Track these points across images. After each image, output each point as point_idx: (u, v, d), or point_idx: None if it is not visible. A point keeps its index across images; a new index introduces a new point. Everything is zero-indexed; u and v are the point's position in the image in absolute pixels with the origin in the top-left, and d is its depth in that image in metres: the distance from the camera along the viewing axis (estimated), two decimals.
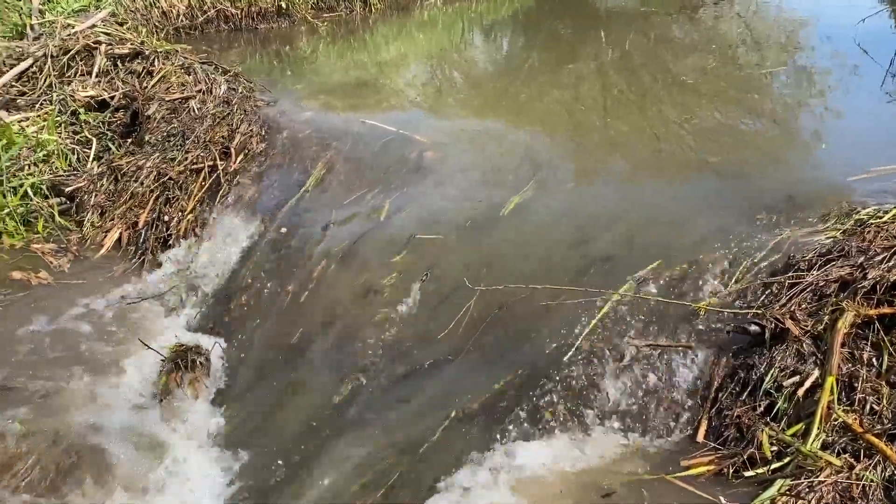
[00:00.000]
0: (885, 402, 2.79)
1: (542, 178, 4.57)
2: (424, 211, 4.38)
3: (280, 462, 3.18)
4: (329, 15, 9.35)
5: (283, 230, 4.36)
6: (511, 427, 3.06)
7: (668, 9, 10.13)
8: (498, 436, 3.02)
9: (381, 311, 3.74)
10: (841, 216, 3.67)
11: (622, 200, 4.35)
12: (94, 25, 6.28)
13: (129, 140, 5.38)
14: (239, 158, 4.89)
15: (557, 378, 3.20)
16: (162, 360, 3.53)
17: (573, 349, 3.30)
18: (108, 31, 6.24)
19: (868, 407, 2.80)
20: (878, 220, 3.44)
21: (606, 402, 3.15)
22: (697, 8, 10.21)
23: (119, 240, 4.76)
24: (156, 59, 5.60)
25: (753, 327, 3.12)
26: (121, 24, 6.87)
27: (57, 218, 4.97)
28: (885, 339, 2.94)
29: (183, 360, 3.48)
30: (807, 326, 3.08)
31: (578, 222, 4.14)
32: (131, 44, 5.77)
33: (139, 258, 4.57)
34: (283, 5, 8.44)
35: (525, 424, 3.08)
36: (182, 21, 8.04)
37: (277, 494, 3.03)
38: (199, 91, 5.33)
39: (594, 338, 3.31)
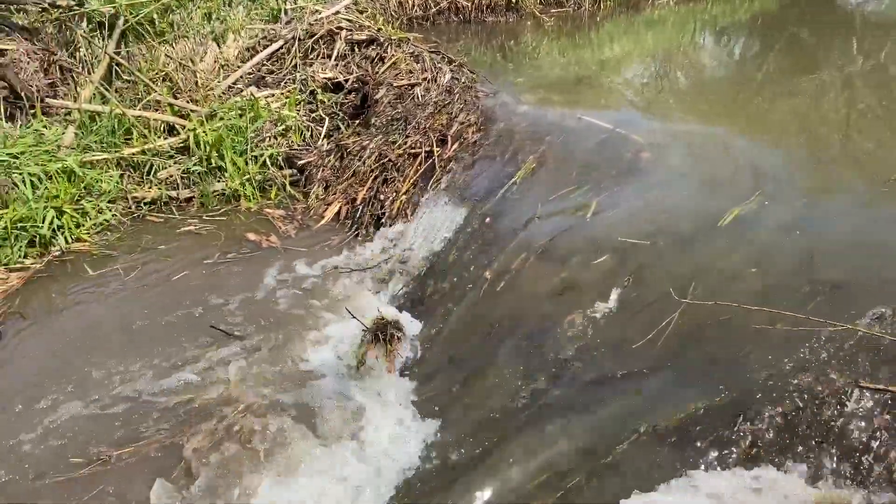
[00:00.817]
0: None
1: (767, 191, 4.20)
2: (633, 213, 4.21)
3: (463, 445, 3.22)
4: (556, 10, 9.32)
5: (488, 219, 4.40)
6: (704, 453, 2.84)
7: None
8: (689, 459, 2.82)
9: (576, 312, 3.64)
10: None
11: (861, 224, 3.88)
12: (337, 12, 6.74)
13: (357, 121, 5.71)
14: (454, 146, 5.01)
15: (762, 411, 2.92)
16: (363, 330, 3.71)
17: (785, 382, 2.99)
18: (350, 18, 6.67)
19: None
20: None
21: (814, 446, 2.82)
22: None
23: (338, 213, 5.08)
24: (389, 47, 5.89)
25: None
26: (361, 13, 7.32)
27: (288, 188, 5.40)
28: None
29: (382, 333, 3.62)
30: None
31: (807, 244, 3.75)
32: (368, 31, 6.12)
33: (354, 232, 4.85)
34: (513, 1, 8.51)
35: (719, 452, 2.85)
36: (416, 11, 8.41)
37: (458, 473, 3.07)
38: (425, 79, 5.53)
39: (812, 373, 2.98)
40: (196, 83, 6.29)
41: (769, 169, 4.56)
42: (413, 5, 8.37)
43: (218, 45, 6.98)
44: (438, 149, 5.07)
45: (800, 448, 2.85)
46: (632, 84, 6.87)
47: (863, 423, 2.82)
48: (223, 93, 6.28)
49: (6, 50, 5.93)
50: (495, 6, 8.63)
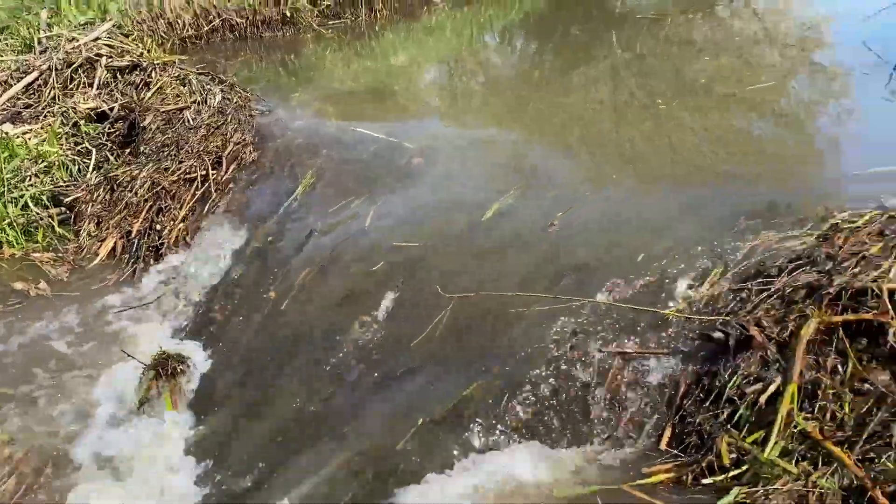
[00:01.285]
0: (847, 409, 2.78)
1: (528, 185, 4.59)
2: (406, 218, 4.43)
3: (251, 470, 3.25)
4: (335, 22, 9.44)
5: (270, 238, 4.44)
6: (476, 435, 3.10)
7: (683, 8, 10.03)
8: (462, 444, 3.06)
9: (358, 319, 3.79)
10: (817, 221, 3.65)
11: (608, 209, 4.35)
12: (97, 38, 6.42)
13: (127, 151, 5.49)
14: (231, 168, 4.99)
15: (527, 386, 3.23)
16: (144, 368, 3.62)
17: (544, 357, 3.32)
18: (111, 44, 6.38)
19: (830, 414, 2.79)
20: (852, 225, 3.42)
21: (574, 411, 3.17)
22: (713, 6, 10.12)
23: (114, 249, 4.88)
24: (153, 71, 5.72)
25: (717, 334, 3.12)
26: (126, 36, 7.00)
27: (57, 228, 5.10)
28: (850, 346, 2.92)
29: (164, 368, 3.56)
30: (772, 333, 3.07)
31: (558, 230, 4.16)
32: (130, 56, 5.90)
33: (132, 267, 4.68)
34: (288, 14, 8.52)
35: (491, 433, 3.12)
36: (188, 31, 8.17)
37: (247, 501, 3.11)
38: (194, 101, 5.43)
39: (565, 346, 3.33)
40: None
41: (531, 165, 4.97)
42: (184, 25, 8.12)
43: None
44: (214, 172, 5.01)
45: (561, 415, 3.18)
46: (412, 91, 7.15)
47: (606, 384, 3.20)
48: None
49: None
50: (271, 21, 8.59)
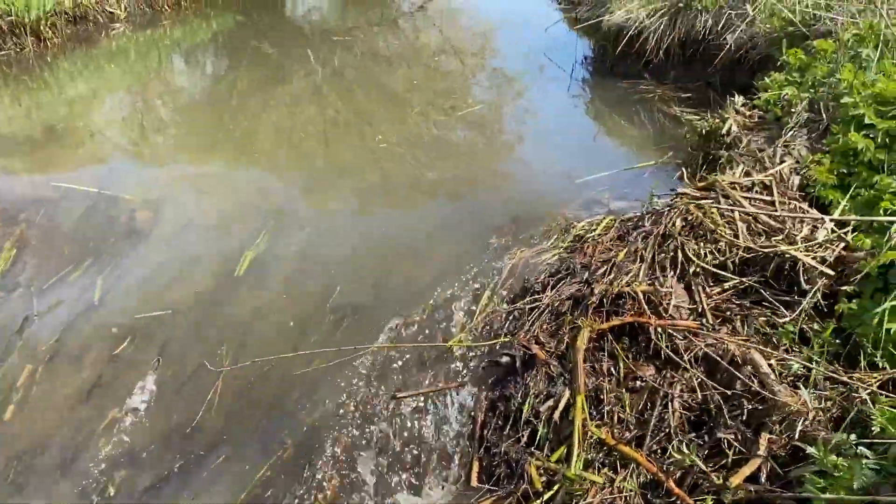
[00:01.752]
0: (627, 408, 2.98)
1: (274, 225, 4.32)
2: (145, 283, 3.92)
3: None
4: None
5: None
6: None
7: (369, 22, 10.35)
8: None
9: (111, 414, 3.24)
10: (560, 233, 3.91)
11: (360, 239, 4.27)
12: None
13: None
14: None
15: (327, 452, 3.01)
16: None
17: (338, 416, 3.12)
18: None
19: (616, 417, 2.97)
20: (594, 234, 3.72)
21: (379, 466, 3.02)
22: (397, 20, 10.56)
23: None
24: None
25: (504, 358, 3.19)
26: None
27: None
28: (618, 347, 3.14)
29: None
30: (551, 348, 3.22)
31: (320, 271, 3.97)
32: None
33: None
34: None
35: None
36: None
37: None
38: None
39: (358, 398, 3.17)
40: None
41: (270, 200, 4.69)
42: None
43: None
44: None
45: (369, 473, 3.01)
46: (109, 129, 6.35)
47: (410, 427, 3.10)
48: None
49: None
50: None
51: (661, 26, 6.56)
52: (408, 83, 7.36)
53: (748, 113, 4.35)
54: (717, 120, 4.34)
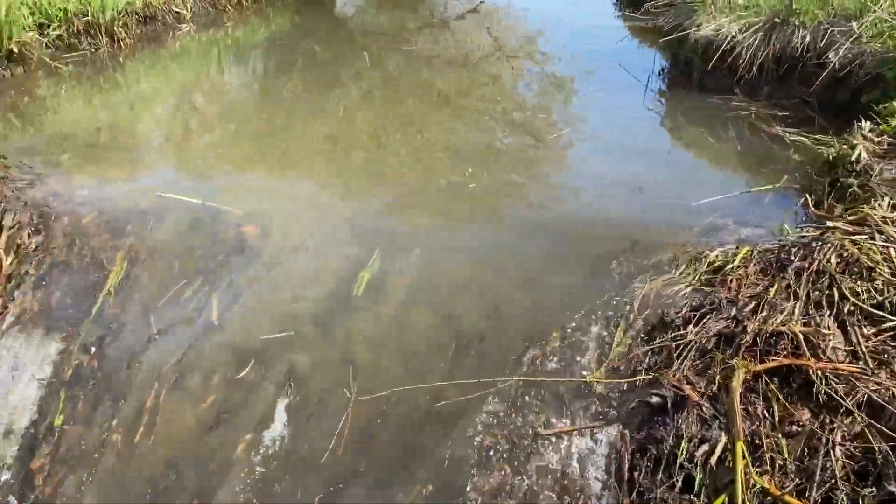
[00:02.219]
0: (786, 455, 2.84)
1: (384, 245, 4.22)
2: (263, 303, 3.85)
3: None
4: (70, 56, 8.13)
5: (92, 351, 3.57)
6: None
7: (421, 24, 10.35)
8: None
9: (242, 441, 3.17)
10: (690, 262, 3.77)
11: (469, 262, 4.16)
12: None
13: None
14: (9, 261, 3.95)
15: (468, 492, 2.90)
16: None
17: (475, 452, 3.01)
18: None
19: (776, 465, 2.84)
20: (731, 265, 3.57)
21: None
22: (448, 22, 10.53)
23: None
24: None
25: (655, 399, 3.06)
26: None
27: None
28: (772, 389, 3.00)
29: None
30: (701, 389, 3.08)
31: (436, 294, 3.87)
32: None
33: None
34: (16, 49, 7.13)
35: None
36: None
37: None
38: None
39: (498, 434, 3.06)
40: None
41: (369, 217, 4.61)
42: None
43: None
44: None
45: None
46: (190, 135, 6.34)
47: (554, 467, 2.98)
48: None
49: None
50: None
51: (756, 41, 6.37)
52: (484, 93, 7.29)
53: (877, 139, 4.17)
54: (845, 146, 4.16)
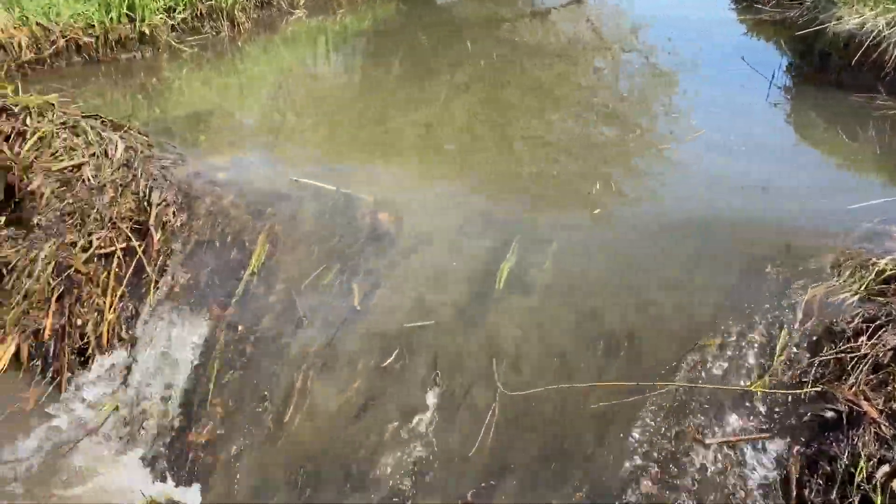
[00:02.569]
0: None
1: (520, 238, 4.13)
2: (403, 291, 3.83)
3: None
4: (193, 39, 8.37)
5: (241, 328, 3.64)
6: None
7: (521, 14, 10.23)
8: None
9: (391, 428, 3.16)
10: (856, 269, 3.54)
11: (608, 258, 4.03)
12: None
13: (2, 221, 4.34)
14: (159, 237, 4.07)
15: (623, 501, 2.80)
16: None
17: (630, 458, 2.91)
18: None
19: None
20: None
21: None
22: (549, 12, 10.36)
23: (17, 355, 3.79)
24: (27, 117, 4.56)
25: (829, 413, 2.89)
26: None
27: None
28: None
29: None
30: (879, 405, 2.89)
31: (577, 290, 3.77)
32: None
33: (52, 380, 3.65)
34: (147, 31, 7.38)
35: None
36: (27, 54, 6.79)
37: None
38: (93, 155, 4.39)
39: (656, 442, 2.95)
40: None
41: (498, 211, 4.53)
42: (21, 47, 6.74)
43: None
44: (139, 243, 4.07)
45: None
46: (314, 120, 6.41)
47: (717, 480, 2.86)
48: None
49: None
50: (125, 41, 7.38)
51: None
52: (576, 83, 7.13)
53: None
54: None
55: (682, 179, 4.95)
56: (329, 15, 10.49)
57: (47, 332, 3.80)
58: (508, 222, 4.30)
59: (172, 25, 8.09)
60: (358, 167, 5.24)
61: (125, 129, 4.77)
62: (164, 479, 3.21)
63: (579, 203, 4.60)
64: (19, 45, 6.81)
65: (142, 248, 4.04)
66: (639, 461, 2.88)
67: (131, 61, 7.62)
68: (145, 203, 4.35)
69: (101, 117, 4.80)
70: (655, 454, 2.93)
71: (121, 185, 4.37)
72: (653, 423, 3.02)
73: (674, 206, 4.53)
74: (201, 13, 8.59)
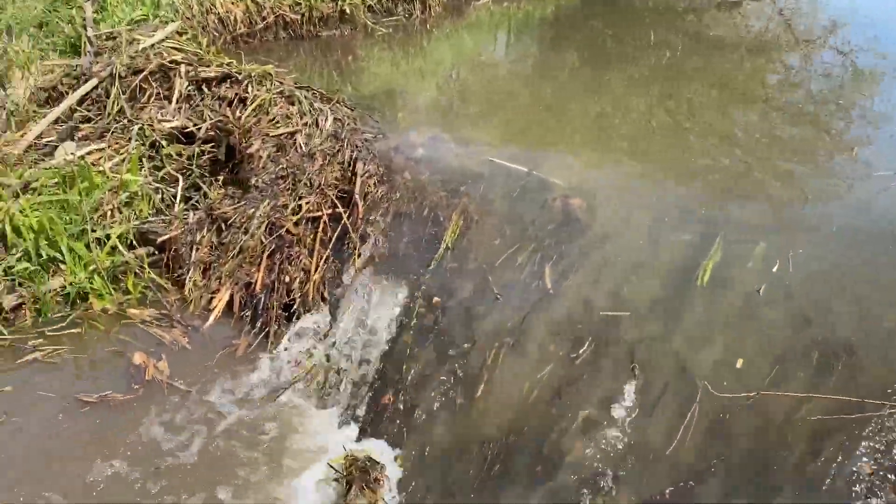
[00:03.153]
0: None
1: (722, 236, 3.94)
2: (596, 278, 3.77)
3: None
4: (388, 19, 8.64)
5: (435, 300, 3.72)
6: None
7: (708, 4, 9.74)
8: None
9: (583, 416, 3.12)
10: None
11: (819, 266, 3.74)
12: (163, 40, 5.57)
13: (220, 179, 4.69)
14: (363, 206, 4.24)
15: None
16: (336, 479, 2.90)
17: (853, 480, 2.69)
18: (180, 47, 5.54)
19: None
20: None
21: None
22: (737, 5, 9.79)
23: (230, 304, 4.09)
24: (249, 85, 4.90)
25: None
26: (180, 34, 6.13)
27: (148, 273, 4.29)
28: None
29: (362, 477, 2.84)
30: None
31: (786, 295, 3.53)
32: (218, 65, 5.07)
33: (262, 331, 3.91)
34: (347, 10, 7.71)
35: None
36: (240, 28, 7.31)
37: None
38: (305, 124, 4.65)
39: (881, 464, 2.71)
40: None
41: (694, 204, 4.33)
42: (236, 21, 7.26)
43: (2, 87, 5.52)
44: (343, 210, 4.27)
45: None
46: (501, 103, 6.43)
47: None
48: (24, 151, 4.90)
49: None
50: (328, 19, 7.76)
51: None
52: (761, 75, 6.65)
53: None
54: None
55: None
56: (513, 1, 10.51)
57: (259, 286, 4.08)
58: (708, 218, 4.11)
59: (369, 6, 8.39)
60: (544, 152, 5.20)
61: (334, 101, 5.01)
62: (360, 437, 3.35)
63: (783, 202, 4.33)
64: (235, 19, 7.34)
65: (347, 215, 4.23)
66: (862, 483, 2.66)
67: (330, 38, 8.01)
68: (349, 172, 4.55)
69: (312, 88, 5.07)
70: (881, 479, 2.69)
71: (328, 154, 4.59)
72: (878, 445, 2.78)
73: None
74: None
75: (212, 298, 4.15)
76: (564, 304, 3.62)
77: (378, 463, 3.03)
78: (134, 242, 4.45)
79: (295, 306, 3.98)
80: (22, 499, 2.96)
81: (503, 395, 3.29)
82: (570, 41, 8.49)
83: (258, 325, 3.96)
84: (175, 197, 4.70)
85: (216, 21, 7.27)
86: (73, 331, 3.92)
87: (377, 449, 3.22)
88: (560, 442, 3.06)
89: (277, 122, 4.64)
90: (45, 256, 4.11)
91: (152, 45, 5.47)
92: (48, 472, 3.11)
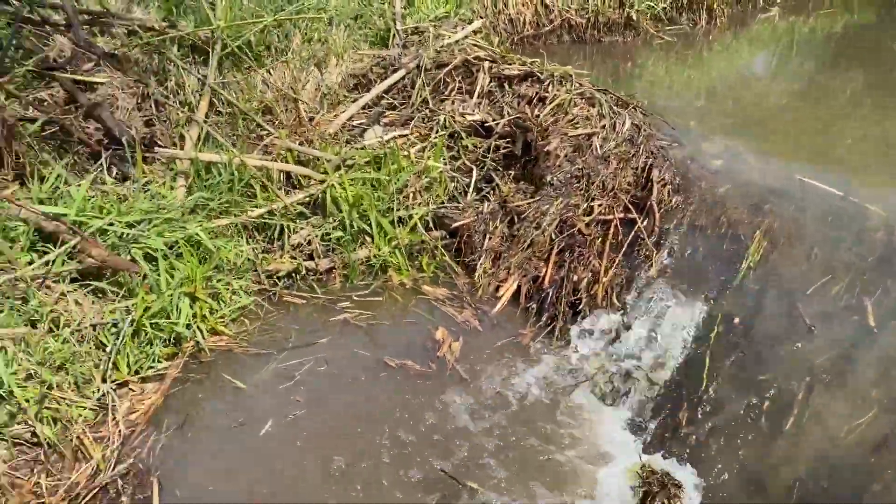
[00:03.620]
0: None
1: None
2: None
3: None
4: (671, 28, 8.41)
5: (736, 320, 3.52)
6: None
7: None
8: None
9: None
10: None
11: None
12: (466, 37, 5.85)
13: (511, 173, 4.82)
14: (659, 214, 4.13)
15: None
16: (633, 487, 2.86)
17: None
18: (479, 44, 5.78)
19: None
20: None
21: None
22: None
23: (516, 294, 4.20)
24: (550, 84, 4.99)
25: None
26: (475, 34, 6.40)
27: (441, 255, 4.52)
28: None
29: (664, 493, 2.76)
30: None
31: None
32: (521, 64, 5.22)
33: (548, 325, 3.97)
34: (634, 17, 7.60)
35: None
36: (528, 30, 7.51)
37: None
38: (602, 126, 4.63)
39: None
40: (299, 118, 5.40)
41: None
42: (524, 23, 7.46)
43: (319, 71, 6.11)
44: (637, 216, 4.19)
45: None
46: (799, 119, 5.96)
47: None
48: (337, 132, 5.39)
49: (98, 83, 5.06)
50: (612, 24, 7.71)
51: None
52: None
53: None
54: None
55: None
56: (800, 15, 9.79)
57: (546, 281, 4.14)
58: None
59: (653, 14, 8.23)
60: (855, 176, 4.73)
61: (630, 105, 4.94)
62: (649, 449, 3.27)
63: None
64: (524, 20, 7.55)
65: (641, 220, 4.15)
66: None
67: (613, 44, 7.96)
68: (642, 179, 4.46)
69: (610, 92, 5.05)
70: None
71: (623, 158, 4.54)
72: None
73: None
74: (682, 4, 8.59)
75: (499, 286, 4.28)
76: (892, 344, 3.25)
77: (677, 482, 2.93)
78: (431, 224, 4.72)
79: (581, 305, 3.98)
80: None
81: (816, 435, 3.03)
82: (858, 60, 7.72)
83: (544, 318, 4.02)
84: (468, 186, 4.91)
85: (506, 21, 7.53)
86: (375, 298, 4.25)
87: (671, 466, 3.12)
88: (883, 496, 2.75)
89: (577, 122, 4.68)
90: (356, 228, 4.48)
91: (456, 42, 5.77)
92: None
